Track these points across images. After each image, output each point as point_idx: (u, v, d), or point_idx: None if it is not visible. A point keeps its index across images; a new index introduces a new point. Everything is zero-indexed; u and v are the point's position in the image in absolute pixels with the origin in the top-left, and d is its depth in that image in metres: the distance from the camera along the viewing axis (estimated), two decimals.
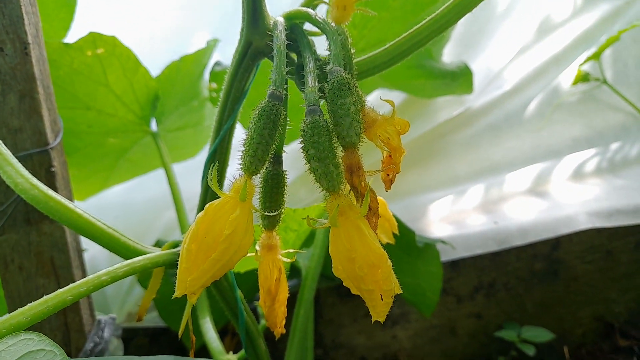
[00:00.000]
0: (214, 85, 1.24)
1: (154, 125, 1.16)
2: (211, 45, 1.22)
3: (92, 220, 0.68)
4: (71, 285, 0.57)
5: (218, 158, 0.68)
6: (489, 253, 1.45)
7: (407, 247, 1.21)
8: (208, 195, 0.69)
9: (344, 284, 0.53)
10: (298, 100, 0.58)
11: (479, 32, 1.56)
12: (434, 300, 1.26)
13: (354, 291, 0.53)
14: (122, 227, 0.71)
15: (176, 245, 0.70)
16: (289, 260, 0.63)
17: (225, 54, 1.28)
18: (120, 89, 1.07)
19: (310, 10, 0.61)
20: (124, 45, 1.01)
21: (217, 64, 1.23)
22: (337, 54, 0.57)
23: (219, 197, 0.69)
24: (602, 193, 1.62)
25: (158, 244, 1.15)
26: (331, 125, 0.53)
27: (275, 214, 0.59)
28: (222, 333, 1.28)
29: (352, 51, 0.62)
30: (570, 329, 1.53)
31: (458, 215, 1.55)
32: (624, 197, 1.58)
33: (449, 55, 1.49)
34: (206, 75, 1.26)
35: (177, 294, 0.48)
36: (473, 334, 1.47)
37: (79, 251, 0.92)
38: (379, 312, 0.50)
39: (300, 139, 0.52)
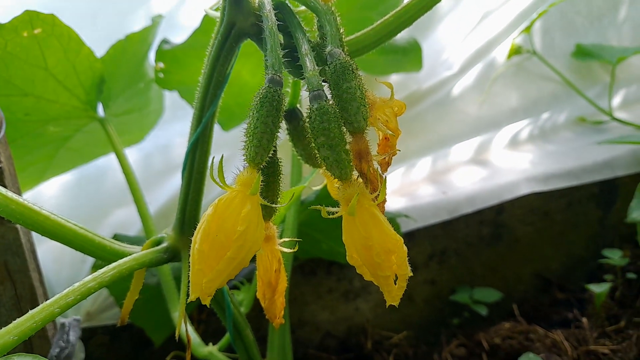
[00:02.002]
0: (161, 65, 1.17)
1: (100, 111, 1.07)
2: (156, 21, 1.14)
3: (61, 222, 0.62)
4: (57, 296, 0.52)
5: (200, 147, 0.64)
6: (440, 222, 1.50)
7: None
8: (191, 188, 0.65)
9: (357, 271, 0.53)
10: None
11: (427, 15, 1.58)
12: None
13: (367, 277, 0.52)
14: None
15: (158, 242, 0.66)
16: (289, 250, 0.61)
17: (174, 31, 1.20)
18: (61, 72, 0.97)
19: None
20: (64, 24, 0.92)
21: (165, 42, 1.16)
22: (334, 35, 0.55)
23: (199, 190, 0.66)
24: (537, 159, 1.73)
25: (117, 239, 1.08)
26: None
27: (273, 204, 0.57)
28: None
29: (342, 31, 0.60)
30: (514, 287, 1.63)
31: (409, 187, 1.59)
32: (556, 162, 1.70)
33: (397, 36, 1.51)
34: (152, 55, 1.18)
35: (192, 297, 0.45)
36: (428, 300, 1.54)
37: (34, 253, 0.85)
38: (394, 296, 0.50)
39: (308, 126, 0.50)
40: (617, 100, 1.98)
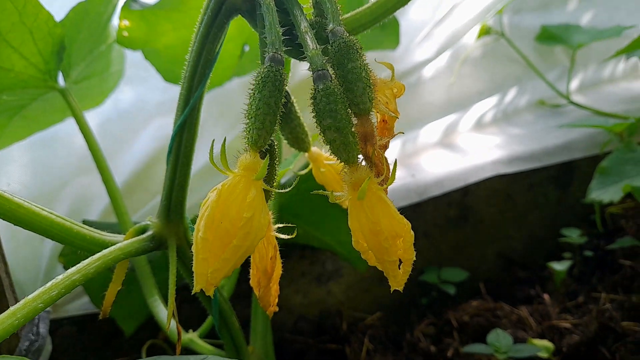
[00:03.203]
0: (126, 22, 1.09)
1: (61, 80, 1.00)
2: None
3: (36, 210, 0.58)
4: (40, 290, 0.49)
5: (187, 130, 0.61)
6: (410, 204, 1.52)
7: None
8: (177, 173, 0.62)
9: (362, 257, 0.52)
10: None
11: None
12: None
13: (372, 263, 0.51)
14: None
15: (143, 230, 0.62)
16: (285, 236, 0.59)
17: None
18: (16, 39, 0.89)
19: None
20: None
21: (132, 0, 1.09)
22: (335, 12, 0.52)
23: (186, 174, 0.62)
24: (501, 141, 1.77)
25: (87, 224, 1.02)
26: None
27: (271, 188, 0.54)
28: None
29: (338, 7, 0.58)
30: (479, 266, 1.68)
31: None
32: (518, 144, 1.75)
33: None
34: (115, 19, 1.10)
35: (197, 288, 0.43)
36: None
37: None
38: (399, 281, 0.50)
39: (312, 108, 0.48)
40: (575, 83, 2.06)
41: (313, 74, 0.48)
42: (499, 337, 1.17)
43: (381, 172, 0.50)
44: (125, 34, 1.07)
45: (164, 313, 0.84)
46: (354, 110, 0.49)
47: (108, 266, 0.55)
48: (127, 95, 1.26)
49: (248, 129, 0.47)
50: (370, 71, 0.51)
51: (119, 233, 0.97)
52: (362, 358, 1.17)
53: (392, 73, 0.55)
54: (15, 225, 0.58)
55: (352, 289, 1.46)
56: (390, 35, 1.31)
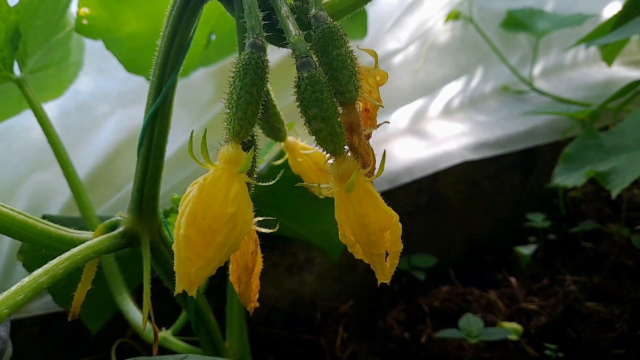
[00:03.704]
0: (86, 10, 1.03)
1: (16, 70, 0.94)
2: None
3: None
4: (4, 294, 0.45)
5: (159, 120, 0.57)
6: (381, 192, 1.52)
7: (316, 195, 1.21)
8: (149, 165, 0.58)
9: (348, 249, 0.50)
10: None
11: None
12: (341, 244, 1.30)
13: (358, 256, 0.50)
14: None
15: (113, 226, 0.59)
16: (267, 230, 0.57)
17: None
18: None
19: None
20: None
21: None
22: None
23: (159, 166, 0.59)
24: (467, 128, 1.79)
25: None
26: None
27: (254, 181, 0.52)
28: None
29: None
30: (448, 252, 1.70)
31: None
32: (484, 131, 1.77)
33: None
34: (74, 5, 1.04)
35: (179, 289, 0.40)
36: (369, 268, 1.55)
37: None
38: (387, 274, 0.49)
39: (296, 97, 0.46)
40: (537, 69, 2.10)
41: (296, 60, 0.46)
42: (470, 322, 1.19)
43: (368, 163, 0.49)
44: (85, 22, 1.02)
45: (134, 311, 0.81)
46: (339, 100, 0.47)
47: (77, 266, 0.51)
48: (87, 86, 1.20)
49: (229, 119, 0.45)
50: (355, 58, 0.49)
51: (84, 229, 0.93)
52: (337, 347, 1.16)
53: (375, 60, 0.53)
54: None
55: (324, 278, 1.46)
56: (358, 25, 1.29)
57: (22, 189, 1.16)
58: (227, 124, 0.45)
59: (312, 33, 0.48)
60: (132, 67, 1.16)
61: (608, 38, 1.52)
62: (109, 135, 1.22)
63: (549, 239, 1.62)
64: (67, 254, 0.51)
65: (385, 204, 0.47)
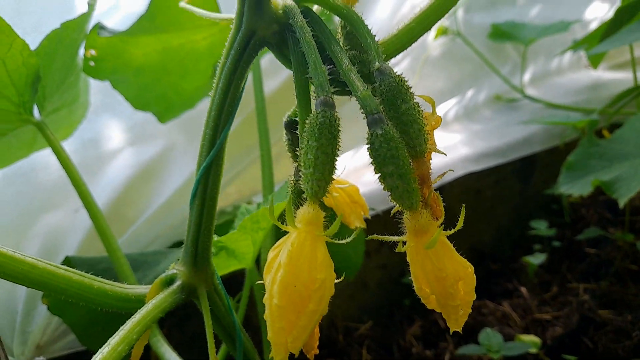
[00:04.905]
0: (93, 52, 1.03)
1: (36, 113, 0.92)
2: (92, 5, 0.99)
3: (52, 269, 0.52)
4: None
5: (213, 171, 0.57)
6: (390, 207, 1.53)
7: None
8: (203, 217, 0.57)
9: (422, 301, 0.50)
10: None
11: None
12: (358, 263, 1.30)
13: (431, 306, 0.50)
14: None
15: (170, 280, 0.58)
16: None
17: (110, 17, 1.05)
18: None
19: None
20: None
21: (100, 27, 1.01)
22: (377, 48, 0.50)
23: (212, 217, 0.59)
24: (466, 139, 1.82)
25: (70, 263, 0.94)
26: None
27: (334, 240, 0.52)
28: None
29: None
30: None
31: (356, 174, 1.59)
32: (483, 141, 1.80)
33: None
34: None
35: (277, 359, 0.40)
36: (380, 283, 1.57)
37: None
38: (459, 323, 0.49)
39: (370, 153, 0.46)
40: (527, 76, 2.14)
41: (366, 117, 0.46)
42: (490, 337, 1.20)
43: (438, 214, 0.49)
44: (92, 63, 1.01)
45: (169, 354, 0.79)
46: (410, 153, 0.47)
47: (148, 327, 0.50)
48: (92, 124, 1.19)
49: (307, 180, 0.44)
50: (421, 110, 0.50)
51: (111, 269, 0.92)
52: None
53: (433, 107, 0.53)
54: (29, 287, 0.52)
55: (340, 297, 1.46)
56: None
57: (35, 229, 1.13)
58: (304, 185, 0.45)
59: (378, 87, 0.48)
60: (139, 103, 1.16)
61: (601, 47, 1.56)
62: (118, 172, 1.21)
63: (554, 246, 1.65)
64: (138, 317, 0.50)
65: (459, 255, 0.48)
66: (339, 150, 0.46)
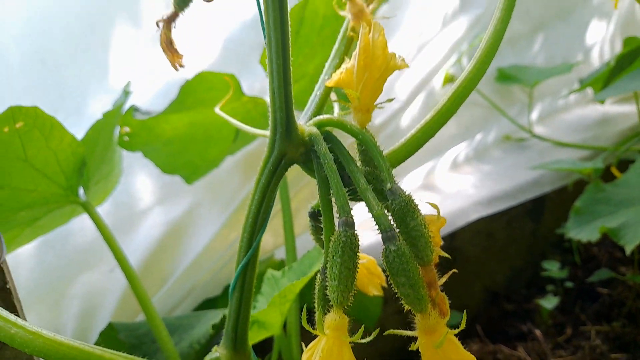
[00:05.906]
0: (127, 129, 1.14)
1: (81, 194, 1.03)
2: (127, 92, 1.11)
3: (98, 353, 0.60)
4: None
5: (250, 268, 0.66)
6: None
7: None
8: (242, 308, 0.66)
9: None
10: None
11: None
12: (376, 313, 1.38)
13: None
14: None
15: None
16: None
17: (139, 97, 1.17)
18: (41, 161, 0.92)
19: (345, 120, 0.62)
20: (47, 115, 0.87)
21: (135, 109, 1.13)
22: (389, 170, 0.59)
23: (249, 306, 0.67)
24: (477, 181, 1.89)
25: (112, 329, 1.02)
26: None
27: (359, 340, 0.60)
28: None
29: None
30: (467, 303, 1.78)
31: (372, 222, 1.66)
32: (494, 183, 1.87)
33: None
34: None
35: None
36: (397, 329, 1.63)
37: None
38: None
39: (385, 265, 0.54)
40: (535, 114, 2.22)
41: (382, 234, 0.55)
42: None
43: (444, 312, 0.57)
44: (126, 138, 1.12)
45: None
46: (419, 263, 0.56)
47: None
48: (121, 186, 1.29)
49: (332, 290, 0.53)
50: (427, 224, 0.58)
51: (149, 332, 1.01)
52: None
53: (437, 211, 0.62)
54: None
55: (357, 345, 1.53)
56: None
57: (73, 291, 1.23)
58: (331, 294, 0.53)
59: (390, 205, 0.57)
60: (168, 168, 1.26)
61: (605, 94, 1.65)
62: (149, 231, 1.31)
63: (566, 287, 1.70)
64: None
65: (463, 348, 0.55)
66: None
